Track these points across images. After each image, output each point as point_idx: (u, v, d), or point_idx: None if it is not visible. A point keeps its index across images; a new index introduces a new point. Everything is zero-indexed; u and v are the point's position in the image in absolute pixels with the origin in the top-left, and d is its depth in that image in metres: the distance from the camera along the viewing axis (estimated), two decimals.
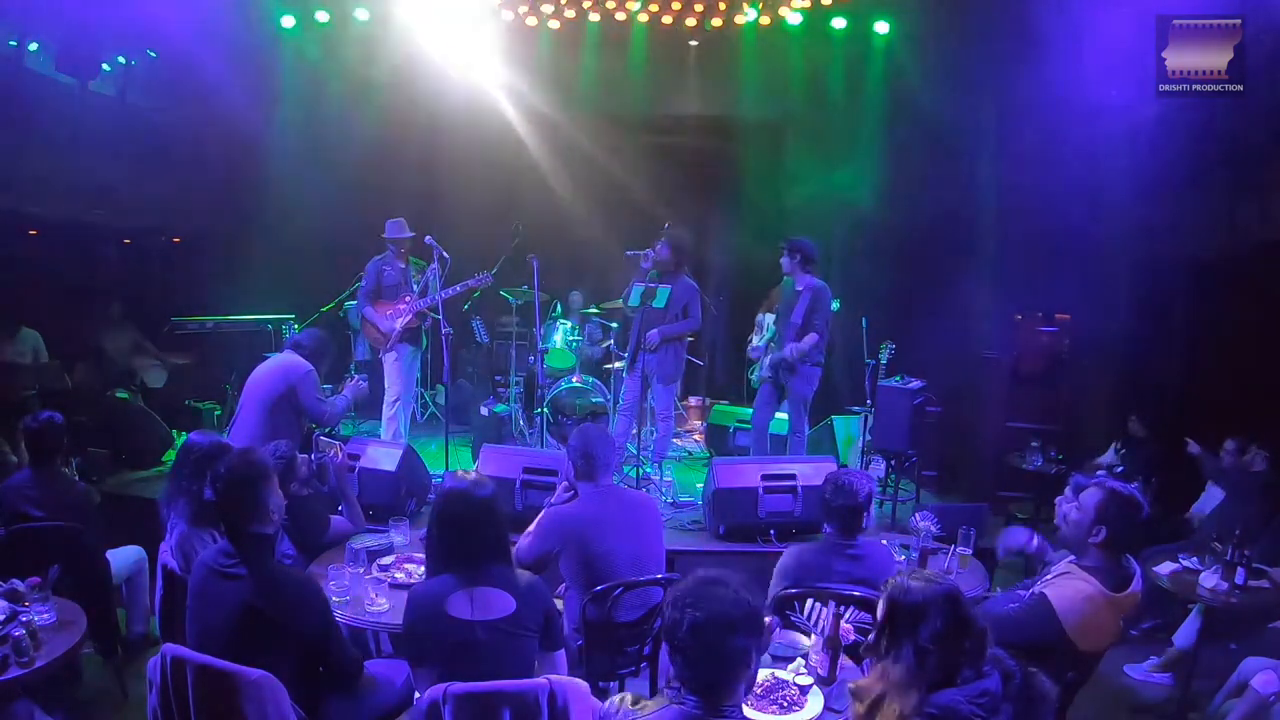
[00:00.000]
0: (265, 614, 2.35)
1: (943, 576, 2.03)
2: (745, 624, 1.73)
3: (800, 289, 5.28)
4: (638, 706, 1.85)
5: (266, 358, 4.71)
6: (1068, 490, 3.06)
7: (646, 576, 3.10)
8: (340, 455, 3.79)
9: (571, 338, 6.88)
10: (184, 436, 5.99)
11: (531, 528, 3.17)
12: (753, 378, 5.55)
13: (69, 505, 3.58)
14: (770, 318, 6.75)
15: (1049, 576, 2.70)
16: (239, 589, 2.37)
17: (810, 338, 5.17)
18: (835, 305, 5.57)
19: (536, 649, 2.45)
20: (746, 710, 2.23)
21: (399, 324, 5.62)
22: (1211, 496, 4.92)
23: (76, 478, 4.31)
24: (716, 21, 7.50)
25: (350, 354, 7.33)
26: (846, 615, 2.67)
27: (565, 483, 3.34)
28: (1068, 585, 2.57)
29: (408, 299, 5.65)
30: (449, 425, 5.46)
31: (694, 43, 7.69)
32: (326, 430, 4.46)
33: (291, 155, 7.68)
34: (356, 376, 4.67)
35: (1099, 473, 5.25)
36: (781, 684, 2.41)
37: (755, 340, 5.69)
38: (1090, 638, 2.55)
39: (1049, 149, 6.25)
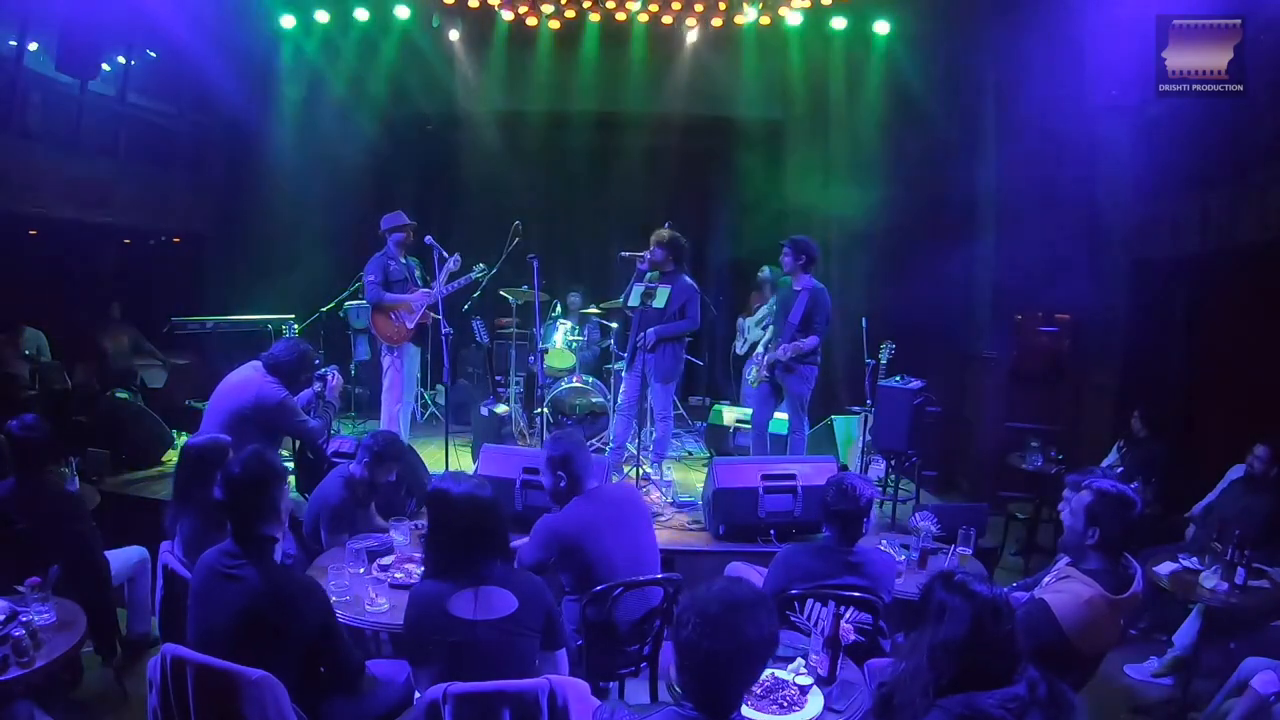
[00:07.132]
0: (267, 616, 2.34)
1: (989, 583, 1.97)
2: (758, 652, 1.75)
3: (799, 289, 5.27)
4: (636, 708, 1.88)
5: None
6: (1065, 492, 3.04)
7: (646, 573, 3.10)
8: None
9: (571, 338, 6.87)
10: (184, 437, 6.08)
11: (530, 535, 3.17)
12: (749, 378, 5.53)
13: (56, 515, 3.38)
14: (750, 321, 6.74)
15: (1047, 580, 2.69)
16: (242, 591, 2.35)
17: (810, 340, 5.16)
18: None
19: (537, 649, 2.45)
20: (745, 710, 2.23)
21: (412, 322, 5.61)
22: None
23: (76, 478, 4.27)
24: (716, 21, 7.51)
25: (350, 354, 7.33)
26: (846, 615, 2.66)
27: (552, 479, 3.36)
28: (1066, 589, 2.54)
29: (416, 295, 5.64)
30: (449, 425, 5.46)
31: (693, 43, 7.70)
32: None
33: (291, 156, 7.69)
34: (328, 373, 4.47)
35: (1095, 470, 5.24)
36: (781, 684, 2.40)
37: (737, 346, 5.62)
38: (1091, 640, 2.53)
39: (1049, 149, 6.25)
